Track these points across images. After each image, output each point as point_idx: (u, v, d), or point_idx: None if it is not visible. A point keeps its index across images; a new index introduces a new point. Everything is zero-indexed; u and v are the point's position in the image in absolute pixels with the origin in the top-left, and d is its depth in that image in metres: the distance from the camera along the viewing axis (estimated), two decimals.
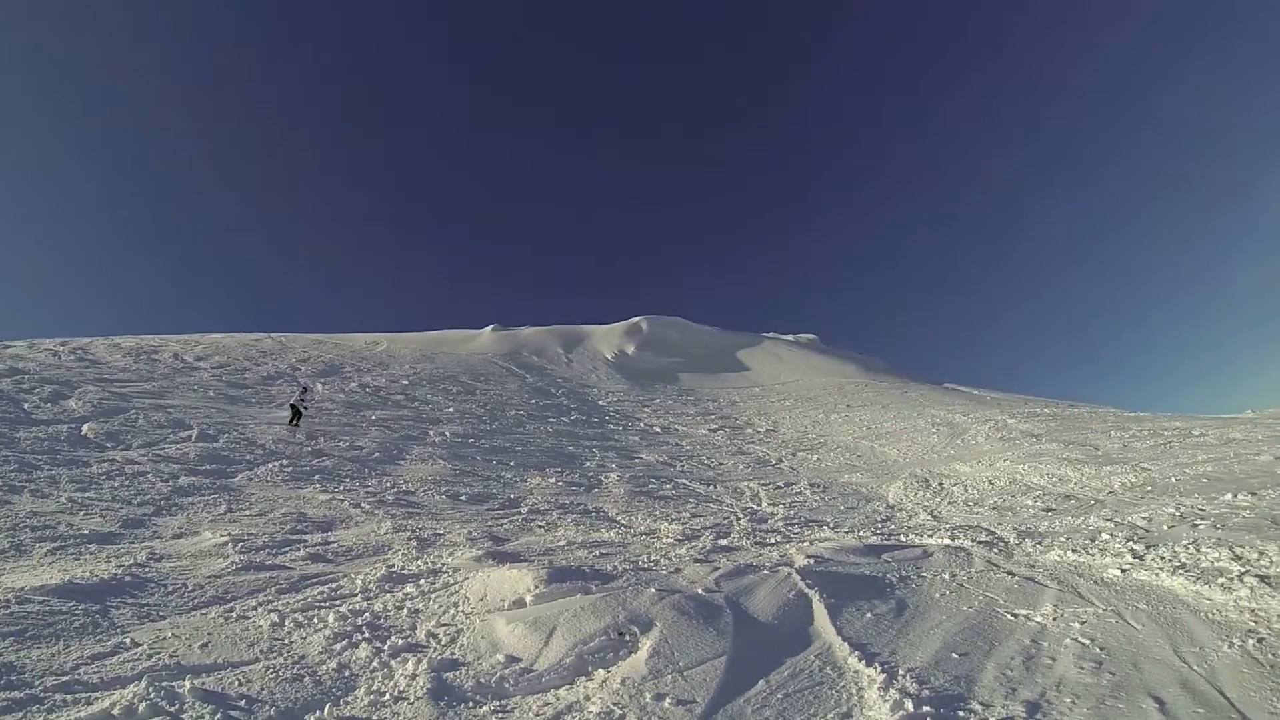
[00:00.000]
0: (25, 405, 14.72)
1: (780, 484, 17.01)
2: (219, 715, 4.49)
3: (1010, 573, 7.44)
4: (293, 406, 19.25)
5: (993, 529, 10.15)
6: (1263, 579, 6.02)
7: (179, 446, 14.00)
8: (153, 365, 22.69)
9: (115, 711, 4.43)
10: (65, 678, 4.96)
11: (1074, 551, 8.01)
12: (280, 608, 6.72)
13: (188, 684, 4.87)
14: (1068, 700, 4.58)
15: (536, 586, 7.03)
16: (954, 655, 5.45)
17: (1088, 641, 5.46)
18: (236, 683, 5.06)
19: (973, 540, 9.21)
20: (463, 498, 13.51)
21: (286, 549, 8.97)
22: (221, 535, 9.06)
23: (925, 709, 4.53)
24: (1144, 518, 9.28)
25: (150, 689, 4.68)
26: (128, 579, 7.16)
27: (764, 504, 14.58)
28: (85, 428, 13.92)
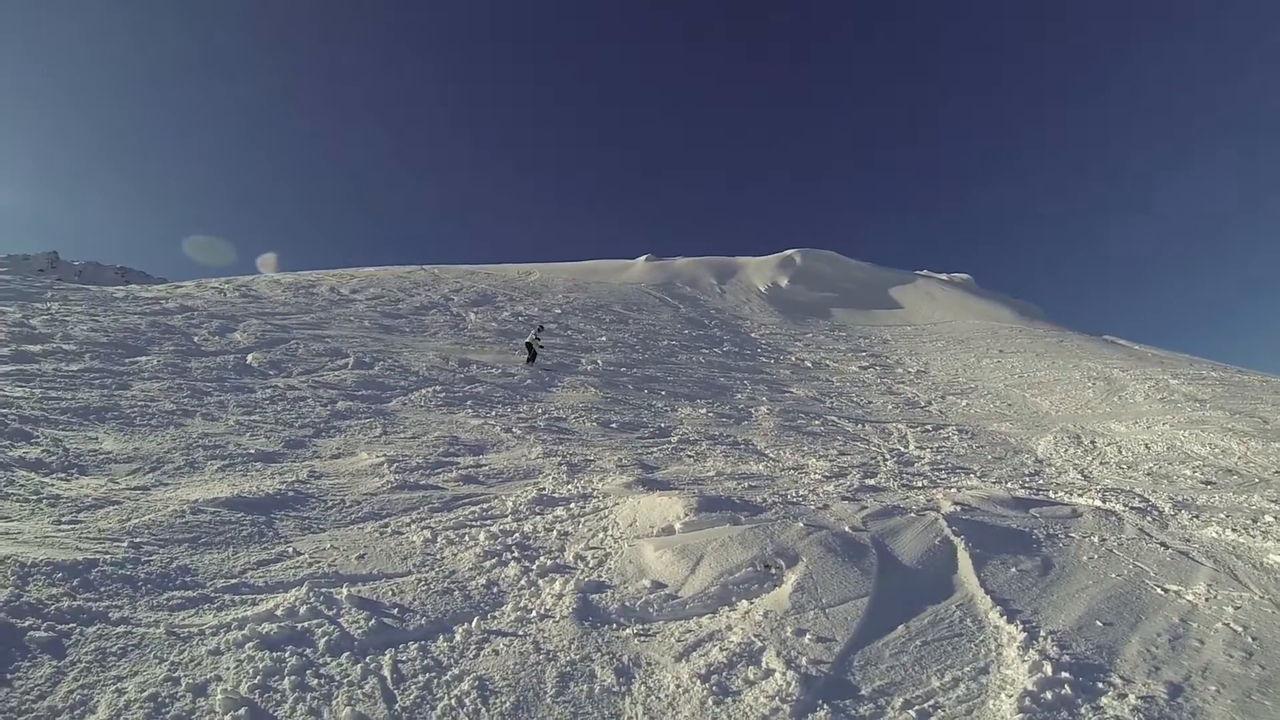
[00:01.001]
0: (195, 338, 15.48)
1: (929, 427, 16.61)
2: (373, 621, 4.76)
3: (1163, 544, 7.10)
4: (528, 345, 19.50)
5: (1147, 496, 9.65)
6: None
7: (336, 374, 14.53)
8: (311, 298, 23.63)
9: (278, 613, 4.75)
10: (234, 580, 5.31)
11: (1233, 530, 7.56)
12: (433, 525, 6.92)
13: (345, 591, 5.16)
14: (1212, 688, 4.41)
15: (686, 515, 7.06)
16: (1098, 623, 5.30)
17: (1240, 629, 5.19)
18: (390, 593, 5.29)
19: (1125, 505, 8.81)
20: (613, 425, 13.60)
21: (439, 470, 9.17)
22: (377, 456, 9.30)
23: (1064, 675, 4.47)
24: None
25: (311, 594, 5.02)
26: (290, 494, 7.48)
27: (911, 446, 14.31)
28: (250, 357, 14.58)
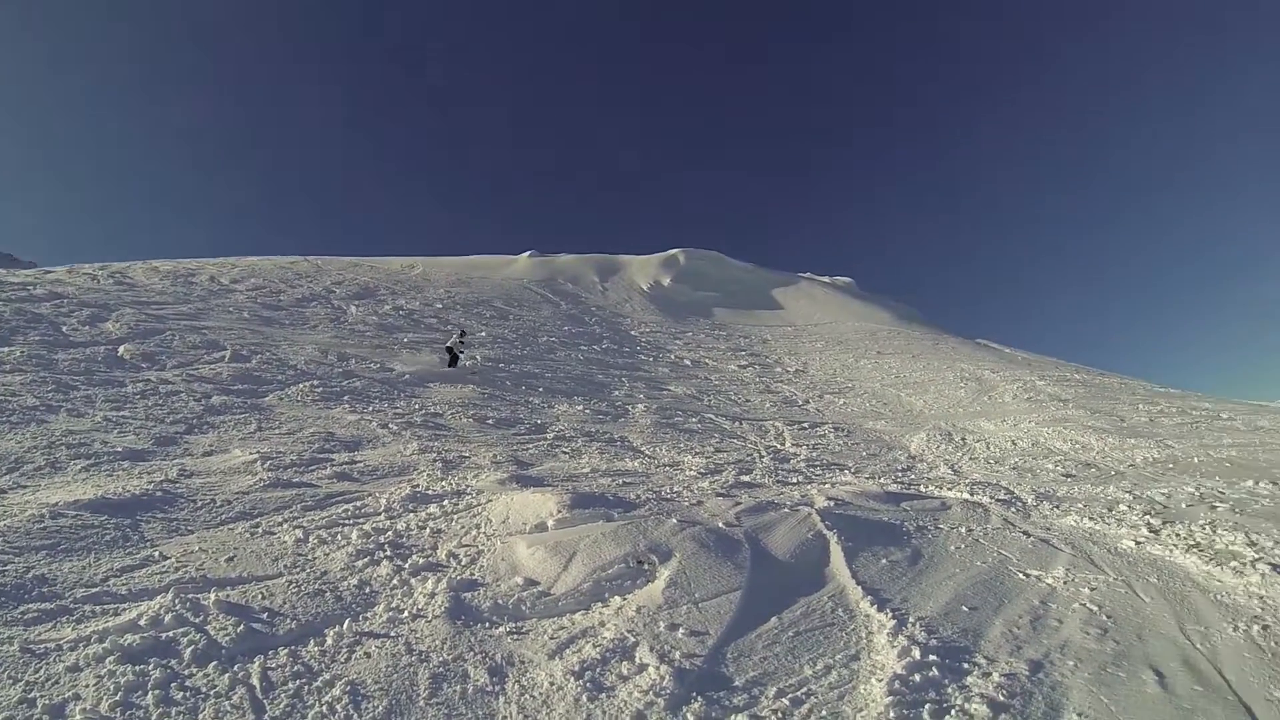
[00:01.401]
0: (64, 328, 14.82)
1: (805, 425, 17.08)
2: (242, 627, 4.62)
3: (1026, 533, 7.52)
4: (449, 349, 19.18)
5: (1012, 488, 10.18)
6: (1275, 567, 6.03)
7: (212, 367, 14.11)
8: (189, 288, 22.75)
9: (142, 622, 4.56)
10: (95, 589, 5.08)
11: (1090, 519, 8.07)
12: (305, 524, 6.82)
13: (213, 596, 5.00)
14: (1070, 663, 4.68)
15: (559, 511, 7.11)
16: (964, 608, 5.56)
17: (1095, 608, 5.55)
18: (260, 596, 5.17)
19: (991, 497, 9.27)
20: (489, 421, 13.60)
21: (313, 467, 9.06)
22: (251, 453, 9.16)
23: (931, 658, 4.65)
24: (1163, 494, 9.27)
25: (176, 601, 4.84)
26: (158, 494, 7.25)
27: (788, 443, 14.67)
28: (122, 349, 14.03)
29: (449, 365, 18.78)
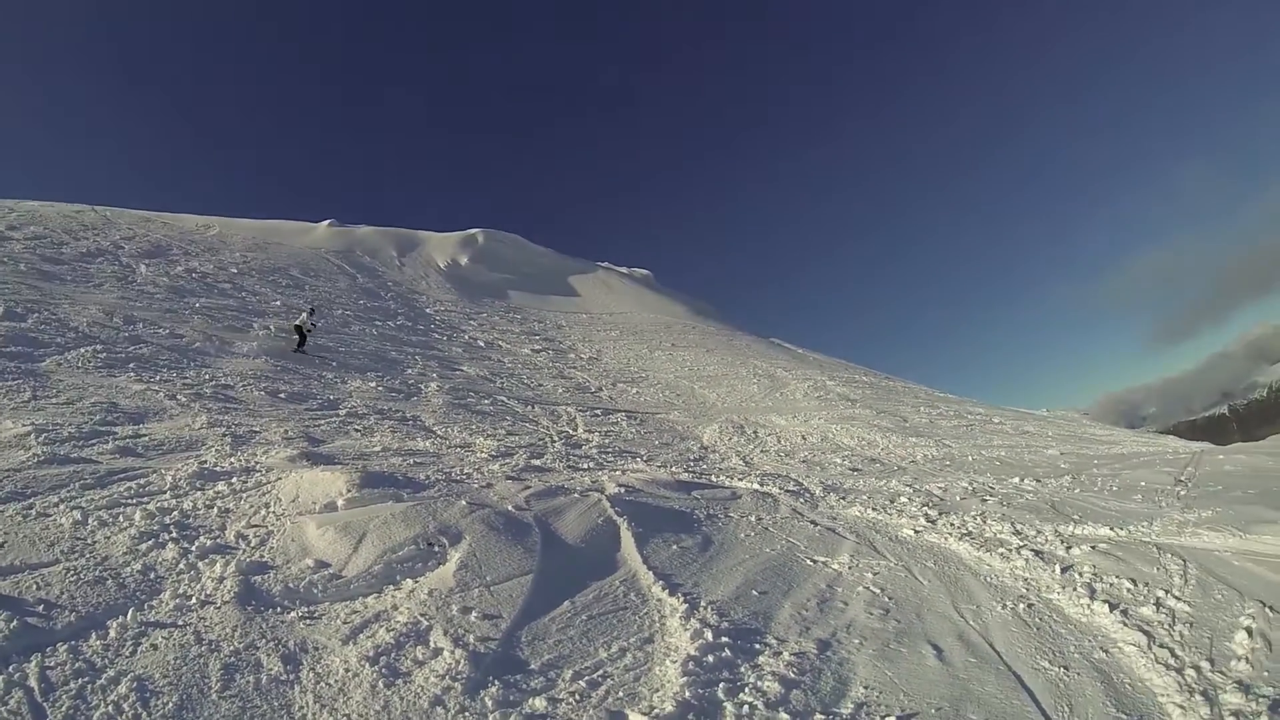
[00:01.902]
0: None
1: (598, 411, 17.33)
2: (15, 623, 4.23)
3: (813, 522, 7.98)
4: (298, 328, 17.97)
5: (801, 480, 10.75)
6: (1037, 553, 6.70)
7: None
8: None
9: None
10: None
11: (874, 510, 8.65)
12: (84, 505, 6.33)
13: None
14: (856, 641, 5.01)
15: (349, 490, 6.99)
16: (754, 592, 5.82)
17: (878, 591, 5.96)
18: (34, 586, 4.77)
19: (781, 488, 9.75)
20: (282, 395, 13.15)
21: (94, 441, 8.47)
22: (24, 425, 8.42)
23: (724, 639, 4.83)
24: (940, 488, 10.07)
25: None
26: None
27: (580, 429, 14.83)
28: None
29: (298, 348, 17.75)
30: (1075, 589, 5.82)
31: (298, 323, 18.51)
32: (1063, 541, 6.98)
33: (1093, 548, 6.65)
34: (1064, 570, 6.19)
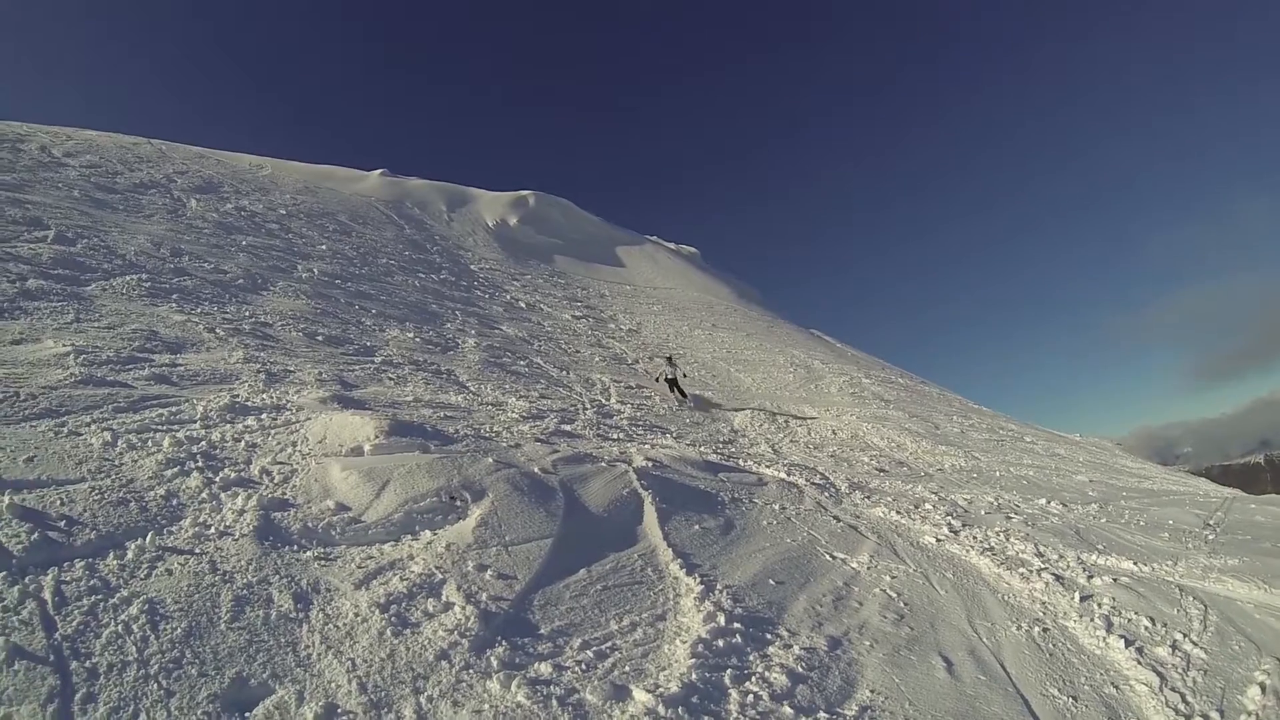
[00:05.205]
0: None
1: (632, 384, 17.28)
2: (36, 535, 4.30)
3: (836, 518, 7.93)
4: (671, 382, 17.41)
5: (828, 475, 10.67)
6: (1058, 578, 6.58)
7: (32, 246, 12.73)
8: (15, 155, 20.42)
9: None
10: None
11: (898, 513, 8.56)
12: (115, 427, 6.38)
13: (6, 500, 4.61)
14: (867, 643, 4.98)
15: (376, 436, 6.98)
16: (771, 581, 5.80)
17: (894, 595, 5.91)
18: (59, 502, 4.84)
19: (807, 480, 9.69)
20: (319, 338, 13.13)
21: (131, 366, 8.52)
22: (64, 345, 8.47)
23: (736, 625, 4.83)
24: (965, 499, 9.94)
25: None
26: None
27: (613, 399, 14.82)
28: None
29: (681, 399, 17.03)
30: (1093, 619, 5.71)
31: (669, 378, 17.75)
32: (1085, 570, 6.84)
33: (1114, 580, 6.50)
34: (1083, 599, 6.06)
